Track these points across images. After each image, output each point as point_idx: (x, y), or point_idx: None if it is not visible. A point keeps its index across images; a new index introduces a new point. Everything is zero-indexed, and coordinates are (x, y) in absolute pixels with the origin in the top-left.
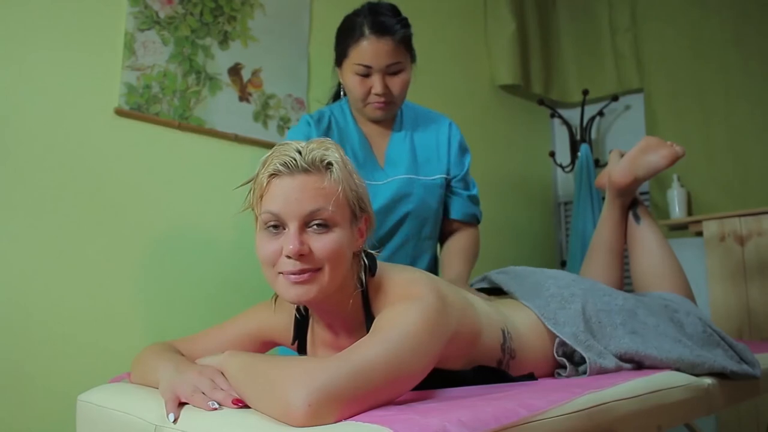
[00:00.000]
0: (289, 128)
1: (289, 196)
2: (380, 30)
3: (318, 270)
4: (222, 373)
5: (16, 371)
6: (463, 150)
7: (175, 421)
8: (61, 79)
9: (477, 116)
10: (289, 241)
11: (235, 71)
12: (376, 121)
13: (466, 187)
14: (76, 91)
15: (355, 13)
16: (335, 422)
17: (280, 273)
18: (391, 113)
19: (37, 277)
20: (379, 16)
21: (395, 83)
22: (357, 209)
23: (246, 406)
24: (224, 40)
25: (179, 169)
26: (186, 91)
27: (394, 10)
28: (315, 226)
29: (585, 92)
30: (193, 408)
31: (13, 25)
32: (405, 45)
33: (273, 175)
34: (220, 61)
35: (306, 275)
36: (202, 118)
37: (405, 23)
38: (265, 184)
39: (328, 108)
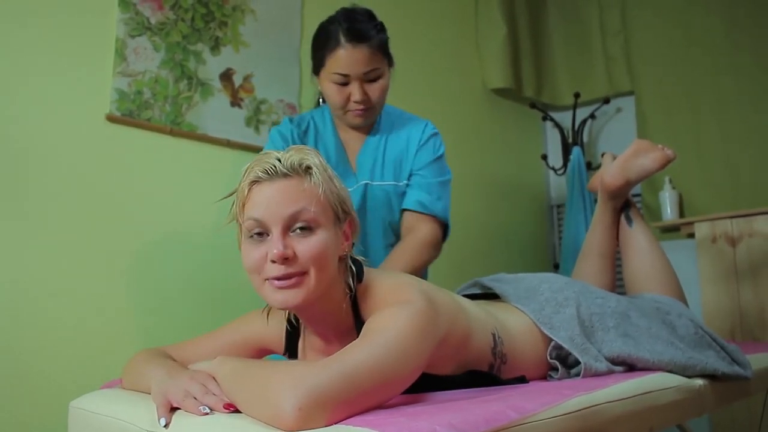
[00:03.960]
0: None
1: (270, 201)
2: (356, 38)
3: (304, 274)
4: (214, 378)
5: (7, 377)
6: (428, 147)
7: (166, 425)
8: (52, 86)
9: (469, 120)
10: (273, 245)
11: (226, 77)
12: (355, 127)
13: (422, 177)
14: (67, 98)
15: (330, 21)
16: (326, 426)
17: (266, 279)
18: (371, 119)
19: (28, 283)
20: (354, 23)
21: (374, 89)
22: (340, 211)
23: (237, 411)
24: (215, 46)
25: (171, 174)
26: (178, 96)
27: (369, 15)
28: (298, 230)
29: (576, 95)
30: (185, 413)
31: (2, 33)
32: (382, 51)
33: (254, 182)
34: (212, 67)
35: (292, 280)
36: (194, 124)
37: (380, 28)
38: (246, 192)
39: (309, 113)
